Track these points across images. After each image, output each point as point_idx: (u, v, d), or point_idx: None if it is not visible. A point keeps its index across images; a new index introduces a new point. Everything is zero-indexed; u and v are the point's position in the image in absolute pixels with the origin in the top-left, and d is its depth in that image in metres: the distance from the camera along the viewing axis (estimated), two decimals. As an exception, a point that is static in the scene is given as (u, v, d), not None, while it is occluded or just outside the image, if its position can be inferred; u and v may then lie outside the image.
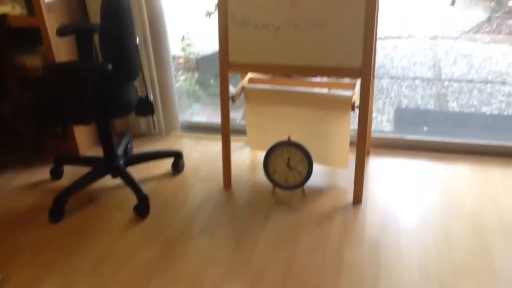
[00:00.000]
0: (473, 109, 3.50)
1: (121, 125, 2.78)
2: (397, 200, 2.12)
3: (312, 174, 2.12)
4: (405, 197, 2.14)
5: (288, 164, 2.14)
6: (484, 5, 5.58)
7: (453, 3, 5.67)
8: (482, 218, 1.98)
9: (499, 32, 4.95)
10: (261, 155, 2.20)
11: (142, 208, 2.10)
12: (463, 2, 5.65)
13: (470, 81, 3.92)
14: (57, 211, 2.09)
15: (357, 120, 2.00)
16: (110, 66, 1.86)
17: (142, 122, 2.77)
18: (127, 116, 2.53)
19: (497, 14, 5.32)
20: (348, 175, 2.28)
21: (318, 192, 2.20)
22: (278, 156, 2.14)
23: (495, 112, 3.44)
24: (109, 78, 1.91)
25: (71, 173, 2.42)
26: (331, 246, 1.87)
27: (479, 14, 5.31)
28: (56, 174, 2.42)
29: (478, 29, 5.04)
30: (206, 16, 3.97)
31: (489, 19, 5.23)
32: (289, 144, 2.11)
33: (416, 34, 4.94)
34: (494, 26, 5.08)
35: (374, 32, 1.92)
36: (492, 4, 5.54)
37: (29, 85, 2.15)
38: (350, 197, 2.14)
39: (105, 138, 2.18)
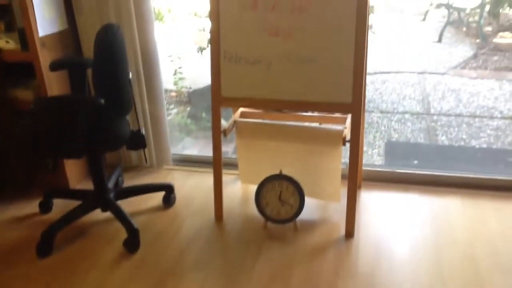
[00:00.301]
0: (462, 143, 3.54)
1: (112, 158, 2.77)
2: (389, 234, 2.11)
3: (304, 208, 2.12)
4: (398, 230, 2.14)
5: (280, 197, 2.13)
6: (470, 41, 5.73)
7: (439, 40, 5.81)
8: (474, 251, 1.97)
9: (485, 68, 5.07)
10: (252, 188, 2.20)
11: (133, 242, 2.07)
12: (449, 39, 5.80)
13: (459, 115, 3.98)
14: (46, 245, 2.06)
15: (348, 153, 2.01)
16: (103, 101, 1.87)
17: (134, 154, 2.77)
18: (118, 150, 2.52)
19: (483, 51, 5.46)
20: (340, 209, 2.27)
21: (311, 225, 2.19)
22: (270, 190, 2.14)
23: (484, 145, 3.48)
24: (101, 112, 1.92)
25: (61, 206, 2.39)
26: (325, 280, 1.85)
27: (465, 51, 5.45)
28: (45, 207, 2.39)
29: (464, 65, 5.16)
30: (198, 51, 4.03)
31: (475, 56, 5.36)
32: (281, 177, 2.11)
33: (404, 69, 5.04)
34: (480, 62, 5.20)
35: (364, 67, 1.96)
36: (478, 41, 5.69)
37: (21, 118, 2.15)
38: (342, 230, 2.13)
39: (96, 172, 2.17)
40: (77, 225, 2.23)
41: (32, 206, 2.43)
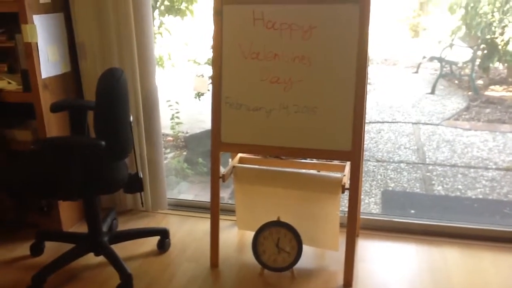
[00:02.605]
0: (458, 193, 3.55)
1: (107, 201, 2.74)
2: (388, 284, 2.08)
3: (302, 256, 2.09)
4: (396, 281, 2.10)
5: (278, 245, 2.10)
6: (462, 94, 5.86)
7: (432, 91, 5.94)
8: (475, 305, 1.94)
9: (478, 120, 5.16)
10: (249, 234, 2.17)
11: (126, 288, 2.02)
12: (442, 91, 5.93)
13: (454, 165, 4.01)
14: (36, 290, 2.00)
15: (345, 201, 2.00)
16: (103, 143, 1.87)
17: (129, 198, 2.74)
18: (115, 193, 2.50)
19: (475, 103, 5.57)
20: (338, 257, 2.24)
21: (308, 274, 2.15)
22: (267, 237, 2.11)
23: (480, 196, 3.49)
24: (101, 155, 1.92)
25: (53, 249, 2.33)
26: (322, 332, 1.80)
27: (458, 102, 5.56)
28: (37, 250, 2.33)
29: (458, 116, 5.25)
30: (195, 97, 4.08)
31: (467, 107, 5.47)
32: (278, 224, 2.09)
33: (399, 119, 5.11)
34: (473, 113, 5.30)
35: (363, 116, 1.99)
36: (470, 93, 5.82)
37: (19, 158, 2.14)
38: (340, 280, 2.09)
39: (91, 214, 2.15)
40: (69, 269, 2.17)
41: (23, 248, 2.38)
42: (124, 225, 2.60)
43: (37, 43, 2.23)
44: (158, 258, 2.31)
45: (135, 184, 2.17)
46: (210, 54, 2.10)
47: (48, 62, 2.32)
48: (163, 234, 2.38)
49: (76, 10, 2.40)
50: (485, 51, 5.62)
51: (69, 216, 2.55)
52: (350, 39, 1.90)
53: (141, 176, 2.19)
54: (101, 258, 2.23)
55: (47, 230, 2.42)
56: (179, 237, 2.49)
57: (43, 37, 2.27)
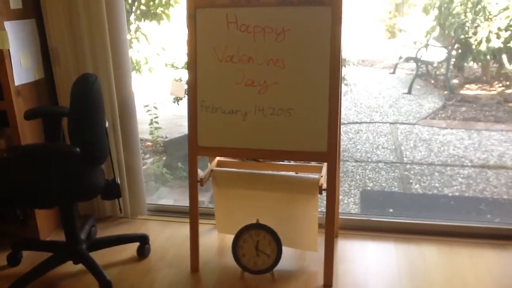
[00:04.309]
0: (435, 191, 3.60)
1: (85, 208, 2.71)
2: (368, 283, 2.10)
3: (282, 258, 2.10)
4: (376, 280, 2.12)
5: (257, 247, 2.11)
6: (438, 93, 5.95)
7: (409, 91, 6.02)
8: (452, 301, 1.97)
9: (454, 118, 5.25)
10: (229, 238, 2.17)
11: (105, 296, 2.00)
12: (418, 91, 6.02)
13: (431, 164, 4.07)
14: (13, 300, 1.97)
15: (324, 202, 2.02)
16: (78, 149, 1.85)
17: (107, 204, 2.71)
18: (92, 199, 2.48)
19: (451, 102, 5.67)
20: (317, 258, 2.25)
21: (288, 275, 2.16)
22: (247, 240, 2.11)
23: (457, 193, 3.55)
24: (76, 161, 1.90)
25: (30, 258, 2.30)
26: (303, 333, 1.80)
27: (434, 102, 5.64)
28: (14, 260, 2.29)
29: (434, 115, 5.33)
30: (174, 101, 4.07)
31: (444, 106, 5.56)
32: (257, 227, 2.10)
33: (376, 119, 5.17)
34: (449, 112, 5.39)
35: (338, 118, 2.01)
36: (446, 92, 5.92)
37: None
38: (320, 280, 2.10)
39: (68, 222, 2.12)
40: (47, 277, 2.14)
41: (-1, 259, 2.34)
42: (103, 232, 2.57)
43: (9, 50, 2.20)
44: (138, 265, 2.29)
45: (112, 191, 2.16)
46: (186, 58, 2.09)
47: (21, 69, 2.29)
48: (143, 240, 2.36)
49: (48, 15, 2.37)
50: (459, 51, 5.73)
51: (46, 224, 2.52)
52: (323, 41, 1.92)
53: (119, 182, 2.18)
54: (80, 266, 2.20)
55: (24, 240, 2.39)
56: (159, 242, 2.47)
57: (15, 43, 2.24)
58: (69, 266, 2.21)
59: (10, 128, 2.30)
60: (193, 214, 2.15)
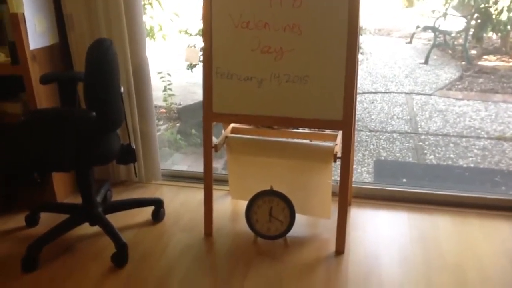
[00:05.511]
0: (450, 162, 3.58)
1: (101, 173, 2.75)
2: (379, 251, 2.11)
3: (294, 224, 2.11)
4: (388, 248, 2.14)
5: (271, 213, 2.13)
6: (455, 64, 5.84)
7: (426, 61, 5.91)
8: (464, 270, 1.98)
9: (471, 90, 5.16)
10: (242, 204, 2.19)
11: (121, 257, 2.04)
12: (435, 61, 5.91)
13: (446, 135, 4.03)
14: (31, 260, 2.02)
15: (337, 171, 2.02)
16: (94, 114, 1.86)
17: (122, 169, 2.75)
18: (108, 164, 2.50)
19: (468, 73, 5.56)
20: (330, 225, 2.27)
21: (301, 242, 2.19)
22: (261, 206, 2.13)
23: (471, 165, 3.52)
24: (92, 126, 1.91)
25: (48, 220, 2.35)
26: (314, 297, 1.83)
27: (451, 73, 5.55)
28: (32, 221, 2.35)
29: (451, 86, 5.25)
30: (188, 68, 4.05)
31: (460, 77, 5.46)
32: (271, 193, 2.11)
33: (392, 90, 5.11)
34: (466, 84, 5.29)
35: (355, 86, 1.99)
36: (463, 63, 5.80)
37: (9, 132, 2.13)
38: (332, 247, 2.13)
39: (84, 186, 2.15)
40: (64, 239, 2.19)
41: (17, 220, 2.39)
42: (118, 196, 2.61)
43: (23, 14, 2.19)
44: (153, 228, 2.33)
45: (127, 155, 2.18)
46: (201, 25, 2.07)
47: (36, 33, 2.29)
48: (158, 204, 2.39)
49: (63, -21, 2.35)
50: (479, 21, 5.59)
51: (62, 187, 2.56)
52: (341, 7, 1.88)
53: (134, 147, 2.19)
54: (96, 228, 2.24)
55: (41, 201, 2.43)
56: (173, 207, 2.51)
57: (30, 8, 2.22)
58: (86, 228, 2.26)
59: (26, 93, 2.31)
60: (208, 179, 2.17)
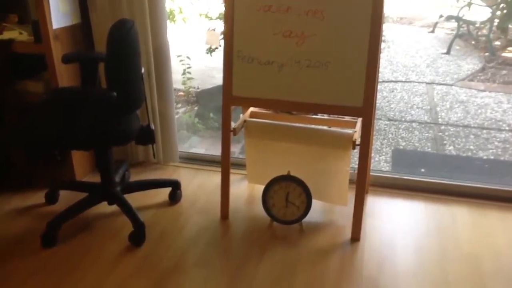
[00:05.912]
0: (469, 153, 3.53)
1: (119, 153, 2.78)
2: (395, 240, 2.11)
3: (311, 210, 2.12)
4: (403, 237, 2.13)
5: (287, 198, 2.13)
6: (478, 55, 5.73)
7: (448, 51, 5.81)
8: (480, 262, 1.96)
9: (493, 81, 5.06)
10: (259, 188, 2.20)
11: (138, 236, 2.07)
12: (457, 51, 5.80)
13: (466, 126, 3.97)
14: (50, 236, 2.06)
15: (355, 158, 2.01)
16: (115, 94, 1.87)
17: (141, 150, 2.77)
18: (127, 144, 2.52)
19: (491, 64, 5.45)
20: (346, 213, 2.27)
21: (316, 228, 2.19)
22: (277, 190, 2.13)
23: (492, 157, 3.47)
24: (113, 106, 1.93)
25: (67, 198, 2.39)
26: (328, 283, 1.84)
27: (474, 63, 5.45)
28: (51, 198, 2.39)
29: (472, 77, 5.15)
30: (207, 52, 4.04)
31: (483, 69, 5.36)
32: (288, 178, 2.11)
33: (413, 79, 5.04)
34: (489, 75, 5.20)
35: (376, 73, 1.97)
36: (486, 54, 5.69)
37: (31, 109, 2.16)
38: (348, 234, 2.12)
39: (104, 164, 2.18)
40: (82, 217, 2.23)
41: (37, 197, 2.44)
42: (136, 176, 2.64)
43: (47, -7, 2.21)
44: (170, 209, 2.35)
45: (146, 136, 2.19)
46: (222, 8, 2.06)
47: (59, 13, 2.30)
48: (175, 186, 2.41)
49: (86, -40, 2.36)
50: (504, 11, 5.46)
51: (81, 166, 2.59)
52: (366, -8, 1.85)
53: (153, 128, 2.20)
54: (114, 208, 2.28)
55: (61, 180, 2.47)
56: (190, 189, 2.52)
57: (53, -14, 2.24)
58: (104, 207, 2.29)
59: (48, 72, 2.34)
60: (225, 163, 2.18)
